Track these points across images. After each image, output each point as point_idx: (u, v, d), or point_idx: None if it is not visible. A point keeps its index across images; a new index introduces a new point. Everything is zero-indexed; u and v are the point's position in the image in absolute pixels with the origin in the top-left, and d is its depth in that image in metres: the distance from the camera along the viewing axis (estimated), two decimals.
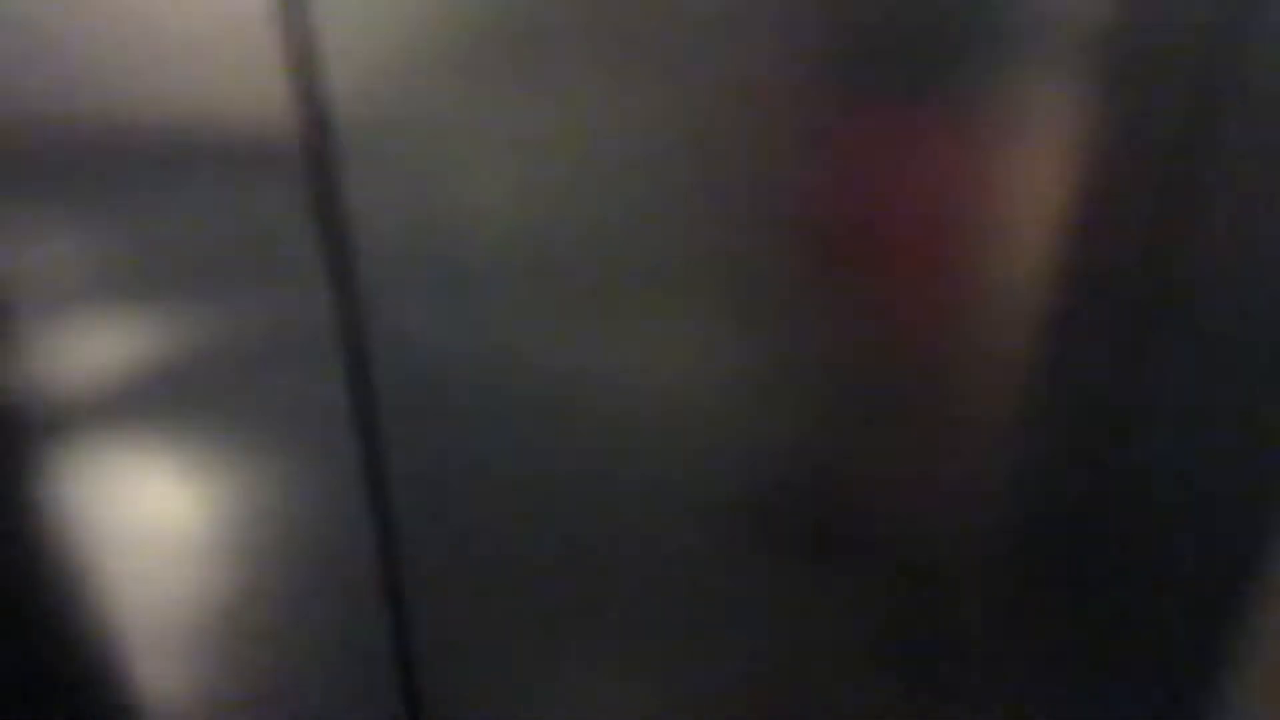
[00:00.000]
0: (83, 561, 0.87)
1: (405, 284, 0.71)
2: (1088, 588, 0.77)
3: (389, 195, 0.68)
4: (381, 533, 0.82)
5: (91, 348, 0.76)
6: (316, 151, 0.66)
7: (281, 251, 0.70)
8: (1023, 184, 0.64)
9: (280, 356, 0.75)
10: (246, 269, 0.71)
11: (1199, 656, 0.79)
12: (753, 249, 0.68)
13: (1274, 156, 0.61)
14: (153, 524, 0.84)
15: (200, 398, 0.77)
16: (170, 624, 0.90)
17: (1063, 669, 0.81)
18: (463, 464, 0.78)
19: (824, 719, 0.84)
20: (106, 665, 0.92)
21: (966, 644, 0.81)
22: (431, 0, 0.62)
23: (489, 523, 0.81)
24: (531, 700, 0.89)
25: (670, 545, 0.80)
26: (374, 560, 0.84)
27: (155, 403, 0.78)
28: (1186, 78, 0.59)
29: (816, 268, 0.68)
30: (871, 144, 0.63)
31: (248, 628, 0.89)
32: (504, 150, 0.66)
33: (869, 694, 0.83)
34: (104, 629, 0.91)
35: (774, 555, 0.79)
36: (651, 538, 0.80)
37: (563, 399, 0.75)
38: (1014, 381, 0.70)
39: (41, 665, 0.92)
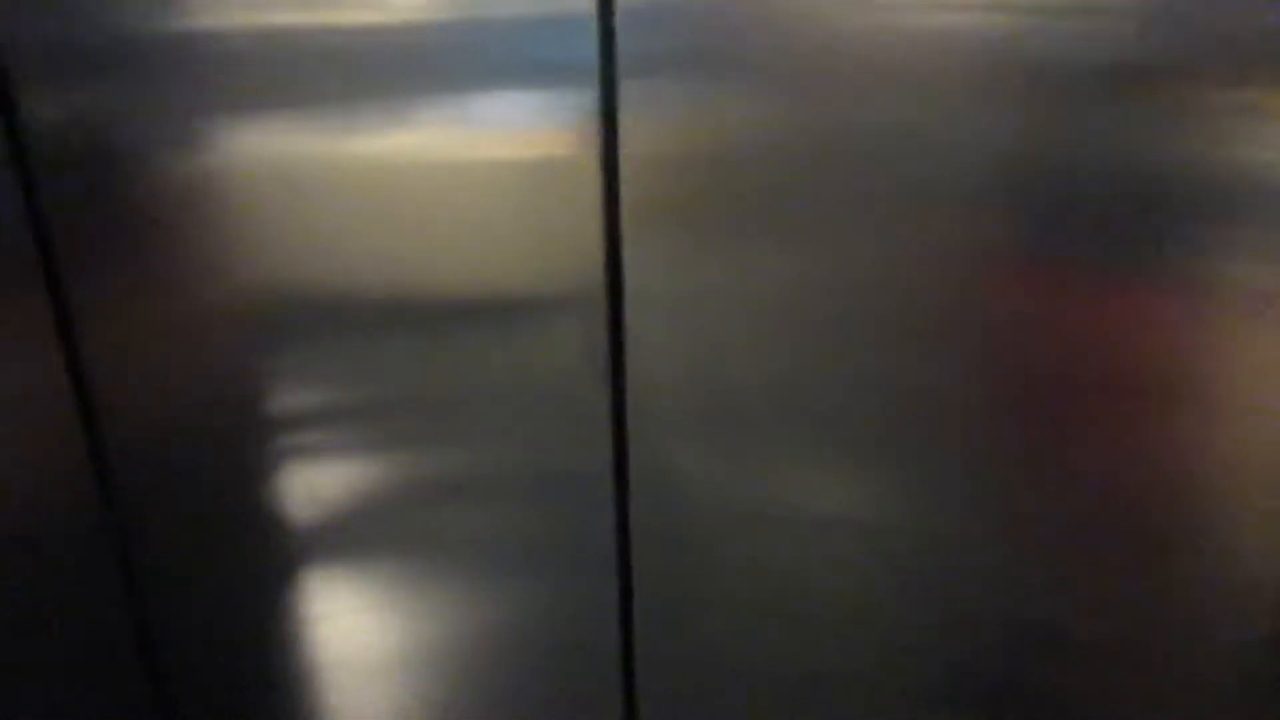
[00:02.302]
0: (348, 672, 0.92)
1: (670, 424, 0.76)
2: None
3: (665, 343, 0.74)
4: (625, 663, 0.86)
5: (382, 471, 0.83)
6: (615, 302, 0.73)
7: (575, 390, 0.77)
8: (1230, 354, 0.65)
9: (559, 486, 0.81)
10: (541, 405, 0.78)
11: None
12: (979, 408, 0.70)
13: None
14: (402, 636, 0.90)
15: (476, 519, 0.84)
16: None
17: None
18: (704, 596, 0.82)
19: None
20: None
21: None
22: (712, 177, 0.68)
23: (723, 653, 0.83)
24: None
25: (871, 695, 0.82)
26: (617, 688, 0.87)
27: (428, 520, 0.84)
28: None
29: (1041, 430, 0.70)
30: (1080, 315, 0.65)
31: None
32: (761, 306, 0.71)
33: None
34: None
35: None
36: (855, 683, 0.82)
37: (801, 541, 0.77)
38: (1241, 539, 0.69)
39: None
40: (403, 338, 0.78)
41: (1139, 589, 0.71)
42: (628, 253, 0.71)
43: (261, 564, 0.86)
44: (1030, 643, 0.75)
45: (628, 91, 0.67)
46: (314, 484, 0.83)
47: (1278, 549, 0.68)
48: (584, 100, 0.68)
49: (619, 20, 0.66)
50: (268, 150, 0.72)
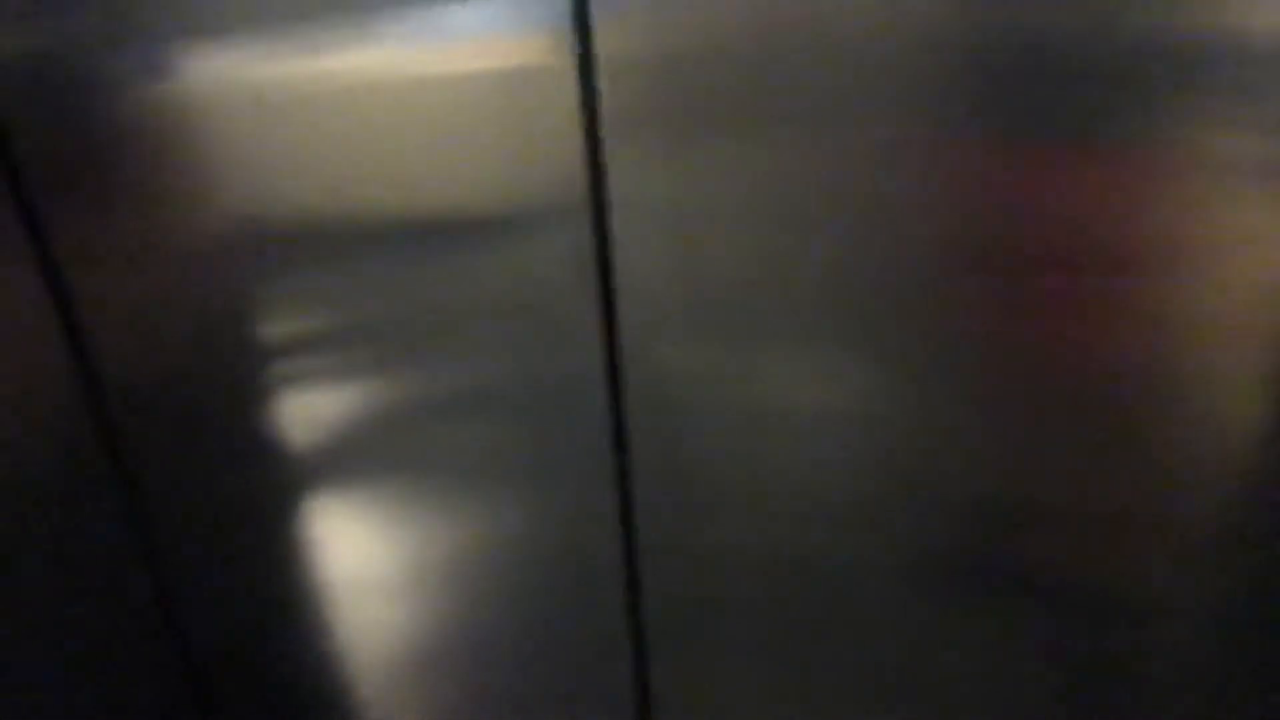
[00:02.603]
0: (352, 592, 0.94)
1: (661, 329, 0.76)
2: None
3: (651, 248, 0.73)
4: (629, 569, 0.88)
5: (377, 393, 0.83)
6: (598, 210, 0.73)
7: (563, 301, 0.77)
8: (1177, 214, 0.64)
9: (553, 398, 0.81)
10: (531, 317, 0.78)
11: None
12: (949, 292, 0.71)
13: None
14: (407, 554, 0.91)
15: (473, 435, 0.84)
16: (414, 652, 0.97)
17: None
18: (704, 499, 0.83)
19: None
20: (346, 690, 0.99)
21: (1166, 697, 0.82)
22: (691, 77, 0.67)
23: (726, 553, 0.85)
24: None
25: (875, 583, 0.83)
26: (620, 595, 0.89)
27: (426, 439, 0.85)
28: None
29: (1014, 312, 0.70)
30: (1053, 193, 0.65)
31: (491, 653, 0.95)
32: (745, 204, 0.70)
33: None
34: (353, 655, 0.98)
35: (969, 597, 0.82)
36: (859, 572, 0.83)
37: (793, 435, 0.78)
38: (1204, 409, 0.70)
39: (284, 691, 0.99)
40: (387, 258, 0.77)
41: (1110, 466, 0.73)
42: (609, 159, 0.71)
43: (260, 489, 0.88)
44: (1012, 523, 0.78)
45: None
46: (306, 408, 0.84)
47: (1243, 420, 0.69)
48: (556, 3, 0.67)
49: None
50: (233, 73, 0.71)
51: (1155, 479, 0.73)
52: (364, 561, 0.92)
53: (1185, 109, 0.61)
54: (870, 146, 0.66)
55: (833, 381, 0.76)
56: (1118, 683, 0.82)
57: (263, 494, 0.88)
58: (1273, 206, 0.62)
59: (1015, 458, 0.75)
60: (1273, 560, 0.73)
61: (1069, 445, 0.73)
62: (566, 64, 0.69)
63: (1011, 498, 0.76)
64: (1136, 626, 0.79)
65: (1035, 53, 0.61)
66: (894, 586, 0.82)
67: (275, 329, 0.81)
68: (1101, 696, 0.83)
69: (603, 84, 0.68)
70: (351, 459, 0.86)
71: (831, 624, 0.86)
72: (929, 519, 0.79)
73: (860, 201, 0.68)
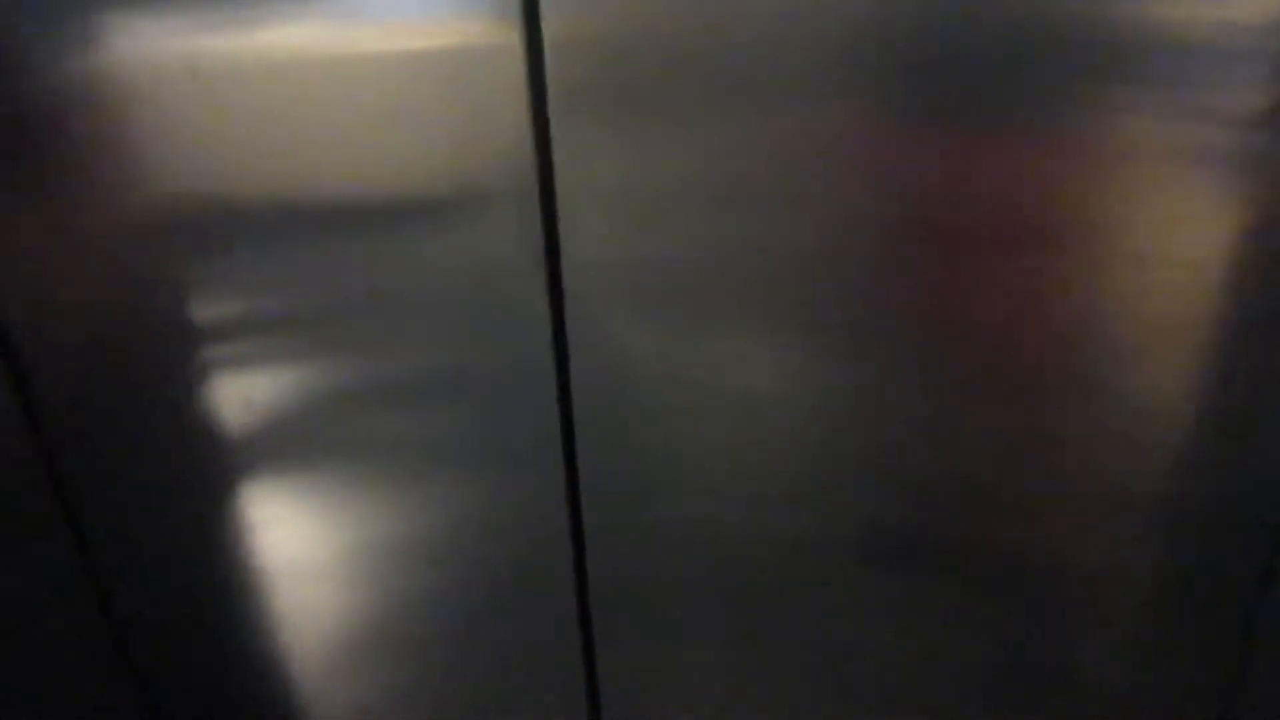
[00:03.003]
0: (293, 577, 0.92)
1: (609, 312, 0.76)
2: (1231, 623, 0.78)
3: (599, 230, 0.73)
4: (576, 551, 0.88)
5: (318, 378, 0.82)
6: (548, 193, 0.72)
7: (511, 284, 0.76)
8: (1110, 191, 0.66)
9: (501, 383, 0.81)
10: (478, 300, 0.77)
11: None
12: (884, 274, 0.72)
13: None
14: (351, 540, 0.90)
15: (418, 419, 0.84)
16: (358, 638, 0.96)
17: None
18: (652, 480, 0.83)
19: None
20: (290, 677, 0.98)
21: (1104, 676, 0.84)
22: (639, 57, 0.67)
23: (674, 535, 0.85)
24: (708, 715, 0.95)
25: (815, 558, 0.84)
26: (567, 577, 0.89)
27: (370, 423, 0.84)
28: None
29: (942, 289, 0.72)
30: (983, 174, 0.67)
31: (438, 636, 0.95)
32: (693, 186, 0.70)
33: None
34: (296, 641, 0.96)
35: (915, 576, 0.83)
36: (805, 552, 0.84)
37: (740, 415, 0.79)
38: (1138, 385, 0.72)
39: (229, 679, 0.98)
40: (327, 239, 0.76)
41: (1051, 446, 0.75)
42: (556, 140, 0.70)
43: (197, 475, 0.86)
44: (957, 502, 0.79)
45: None
46: (248, 393, 0.82)
47: (1172, 395, 0.72)
48: None
49: None
50: (165, 45, 0.69)
51: (1094, 459, 0.75)
52: (306, 548, 0.91)
53: (1110, 96, 0.63)
54: (816, 129, 0.67)
55: (779, 363, 0.77)
56: (1057, 661, 0.84)
57: (200, 481, 0.86)
58: (1196, 190, 0.64)
59: (959, 437, 0.76)
60: (1210, 540, 0.76)
61: (1011, 425, 0.75)
62: (513, 44, 0.68)
63: (956, 477, 0.78)
64: (1076, 605, 0.81)
65: (977, 40, 0.62)
66: (841, 566, 0.84)
67: (210, 311, 0.79)
68: (1043, 675, 0.85)
69: (550, 65, 0.68)
70: (292, 444, 0.85)
71: (778, 604, 0.87)
72: (875, 499, 0.80)
73: (806, 184, 0.69)
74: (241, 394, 0.82)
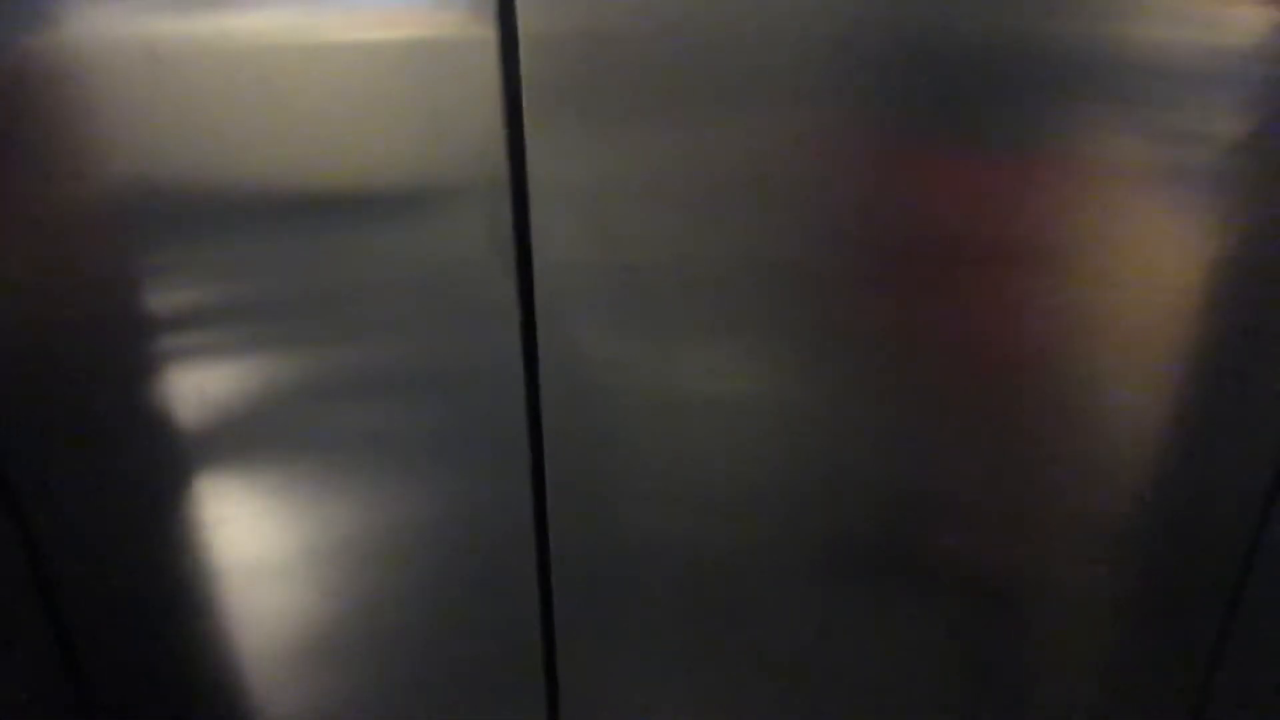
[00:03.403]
0: (248, 577, 0.90)
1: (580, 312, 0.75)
2: (1187, 630, 0.79)
3: (572, 229, 0.72)
4: (540, 554, 0.86)
5: (282, 371, 0.80)
6: (520, 190, 0.70)
7: (480, 280, 0.75)
8: (1085, 211, 0.66)
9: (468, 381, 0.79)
10: (446, 296, 0.76)
11: None
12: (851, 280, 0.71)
13: None
14: (311, 538, 0.88)
15: (383, 416, 0.82)
16: (316, 638, 0.94)
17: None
18: (618, 483, 0.82)
19: None
20: (244, 678, 0.96)
21: (1067, 687, 0.84)
22: (616, 56, 0.66)
23: (638, 539, 0.84)
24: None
25: (781, 569, 0.84)
26: (530, 580, 0.88)
27: (335, 419, 0.82)
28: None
29: (905, 297, 0.71)
30: (960, 190, 0.67)
31: (397, 637, 0.93)
32: (668, 187, 0.70)
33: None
34: (250, 642, 0.94)
35: (881, 588, 0.83)
36: (771, 561, 0.84)
37: (711, 422, 0.78)
38: (1106, 403, 0.72)
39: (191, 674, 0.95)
40: (294, 230, 0.74)
41: (1022, 461, 0.76)
42: (530, 137, 0.69)
43: (153, 470, 0.84)
44: (926, 515, 0.80)
45: None
46: (203, 386, 0.80)
47: (1147, 413, 0.73)
48: None
49: None
50: (129, 28, 0.67)
51: (1065, 476, 0.76)
52: (264, 546, 0.89)
53: (1090, 116, 0.63)
54: (797, 134, 0.67)
55: (750, 370, 0.76)
56: (1023, 677, 0.85)
57: (151, 476, 0.84)
58: (1176, 212, 0.65)
59: (930, 452, 0.77)
60: (1176, 555, 0.77)
61: (982, 439, 0.75)
62: (488, 37, 0.67)
63: (926, 492, 0.78)
64: (1043, 621, 0.82)
65: (959, 52, 0.62)
66: (807, 578, 0.84)
67: (165, 301, 0.77)
68: (1009, 690, 0.86)
69: (524, 60, 0.67)
70: (248, 440, 0.83)
71: (742, 614, 0.87)
72: (843, 512, 0.80)
73: (781, 188, 0.68)
74: (196, 386, 0.80)
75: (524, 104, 0.68)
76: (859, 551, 0.82)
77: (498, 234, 0.73)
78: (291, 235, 0.74)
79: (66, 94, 0.69)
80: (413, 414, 0.82)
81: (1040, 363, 0.72)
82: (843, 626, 0.85)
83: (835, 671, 0.88)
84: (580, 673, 0.93)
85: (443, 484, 0.85)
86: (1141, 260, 0.67)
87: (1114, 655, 0.83)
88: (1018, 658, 0.84)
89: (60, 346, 0.78)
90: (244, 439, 0.83)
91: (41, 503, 0.84)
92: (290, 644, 0.94)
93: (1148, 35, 0.60)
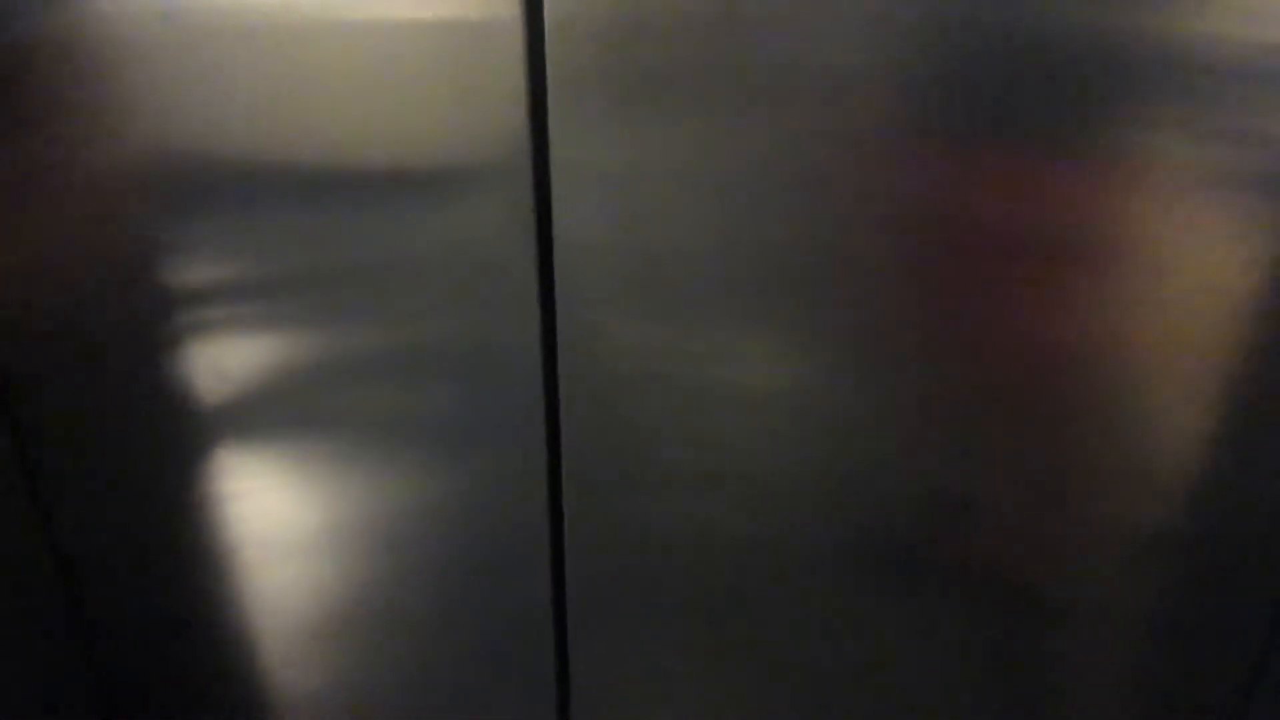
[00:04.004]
0: (263, 554, 0.91)
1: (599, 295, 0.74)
2: (1222, 642, 0.78)
3: (593, 212, 0.71)
4: (554, 540, 0.86)
5: (299, 348, 0.80)
6: (543, 173, 0.70)
7: (500, 262, 0.75)
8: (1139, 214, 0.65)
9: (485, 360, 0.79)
10: (465, 277, 0.76)
11: None
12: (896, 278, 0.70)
13: None
14: (325, 517, 0.88)
15: (399, 396, 0.82)
16: (328, 618, 0.94)
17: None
18: (634, 471, 0.82)
19: None
20: (255, 655, 0.96)
21: (1095, 694, 0.83)
22: (642, 41, 0.65)
23: (653, 528, 0.84)
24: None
25: (799, 565, 0.83)
26: (544, 565, 0.88)
27: (350, 398, 0.82)
28: None
29: (951, 299, 0.70)
30: (999, 184, 0.65)
31: (409, 619, 0.93)
32: (690, 173, 0.69)
33: None
34: (262, 620, 0.94)
35: (900, 584, 0.82)
36: (786, 554, 0.83)
37: (728, 410, 0.77)
38: (1150, 407, 0.71)
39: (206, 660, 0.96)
40: (317, 208, 0.74)
41: (1053, 462, 0.74)
42: (553, 120, 0.69)
43: (171, 445, 0.84)
44: (948, 511, 0.78)
45: None
46: (222, 362, 0.80)
47: (1191, 418, 0.71)
48: None
49: None
50: (158, 4, 0.67)
51: (1102, 479, 0.74)
52: (278, 525, 0.89)
53: (1137, 115, 0.61)
54: (827, 125, 0.66)
55: (773, 363, 0.75)
56: (1048, 685, 0.84)
57: (174, 451, 0.84)
58: (1219, 212, 0.63)
59: (955, 447, 0.75)
60: (1211, 562, 0.75)
61: (1012, 438, 0.74)
62: (513, 18, 0.66)
63: (952, 491, 0.77)
64: (1070, 624, 0.80)
65: (1000, 48, 0.61)
66: (826, 575, 0.83)
67: (183, 275, 0.77)
68: (1030, 690, 0.85)
69: (550, 42, 0.66)
70: (268, 417, 0.83)
71: (758, 607, 0.86)
72: (866, 509, 0.79)
73: (808, 179, 0.67)
74: (214, 363, 0.80)
75: (549, 87, 0.68)
76: (881, 550, 0.81)
77: (518, 215, 0.72)
78: (310, 212, 0.74)
79: (91, 67, 0.69)
80: (429, 395, 0.82)
81: (1081, 364, 0.70)
82: (861, 625, 0.84)
83: (851, 671, 0.87)
84: (592, 660, 0.93)
85: (458, 467, 0.85)
86: (1190, 262, 0.65)
87: (1149, 667, 0.81)
88: (1044, 666, 0.83)
89: (77, 319, 0.79)
90: (259, 416, 0.83)
91: (64, 476, 0.85)
92: (303, 623, 0.94)
93: (1203, 30, 0.58)
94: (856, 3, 0.61)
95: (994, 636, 0.82)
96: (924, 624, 0.83)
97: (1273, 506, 0.72)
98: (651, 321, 0.75)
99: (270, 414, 0.83)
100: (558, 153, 0.70)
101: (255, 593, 0.92)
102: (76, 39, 0.68)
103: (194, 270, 0.77)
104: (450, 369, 0.80)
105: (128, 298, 0.78)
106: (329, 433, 0.84)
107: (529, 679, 0.95)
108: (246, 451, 0.85)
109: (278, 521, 0.89)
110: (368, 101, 0.71)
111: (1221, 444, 0.71)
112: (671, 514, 0.82)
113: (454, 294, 0.77)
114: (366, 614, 0.93)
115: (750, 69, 0.65)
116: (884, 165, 0.66)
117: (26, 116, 0.71)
